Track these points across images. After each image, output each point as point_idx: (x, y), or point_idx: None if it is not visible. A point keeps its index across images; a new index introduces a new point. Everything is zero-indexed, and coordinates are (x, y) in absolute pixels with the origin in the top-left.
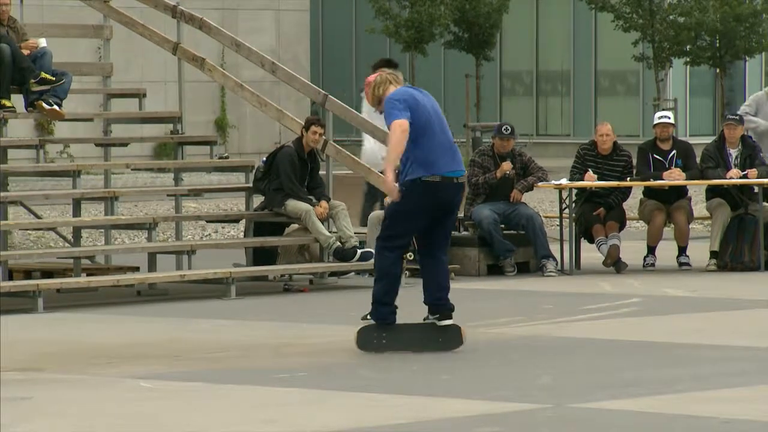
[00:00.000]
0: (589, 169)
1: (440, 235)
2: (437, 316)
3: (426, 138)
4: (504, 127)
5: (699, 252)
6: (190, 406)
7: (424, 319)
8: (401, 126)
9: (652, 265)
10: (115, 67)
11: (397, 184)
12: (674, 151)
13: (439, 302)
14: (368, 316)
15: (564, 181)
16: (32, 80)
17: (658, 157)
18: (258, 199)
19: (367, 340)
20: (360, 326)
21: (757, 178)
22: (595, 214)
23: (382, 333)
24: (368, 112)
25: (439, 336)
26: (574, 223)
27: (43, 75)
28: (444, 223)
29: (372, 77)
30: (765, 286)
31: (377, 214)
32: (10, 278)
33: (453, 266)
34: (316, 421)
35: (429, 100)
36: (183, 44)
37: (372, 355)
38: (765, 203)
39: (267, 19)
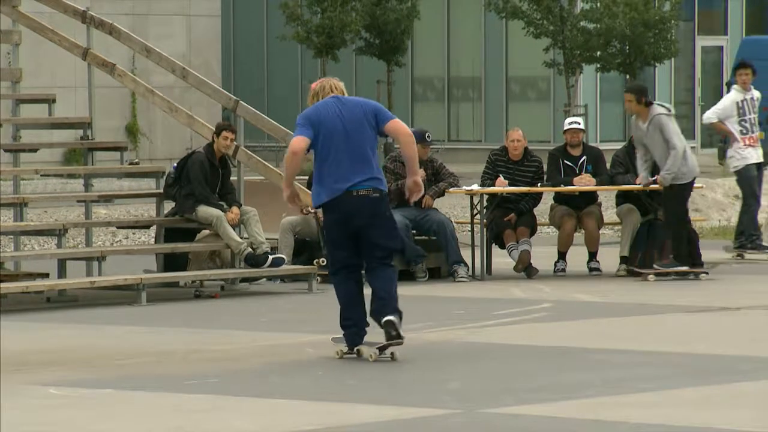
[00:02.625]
0: (500, 175)
1: (369, 252)
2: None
3: (330, 154)
4: (427, 134)
5: (609, 257)
6: (100, 413)
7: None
8: (291, 147)
9: (563, 270)
10: (24, 72)
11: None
12: (585, 157)
13: (355, 325)
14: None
15: (475, 187)
16: None
17: (568, 162)
18: (169, 205)
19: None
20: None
21: None
22: (506, 219)
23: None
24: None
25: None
26: (485, 229)
27: None
28: (367, 237)
29: (315, 84)
30: (674, 291)
31: (289, 219)
32: None
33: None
34: (227, 427)
35: (348, 111)
36: (93, 50)
37: (282, 361)
38: None
39: (178, 25)
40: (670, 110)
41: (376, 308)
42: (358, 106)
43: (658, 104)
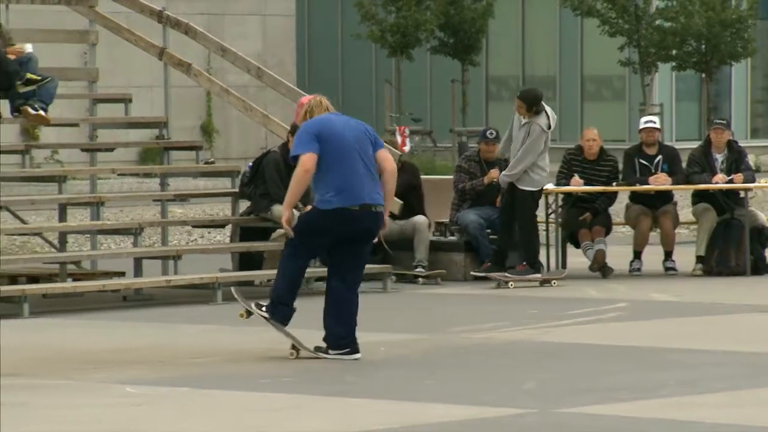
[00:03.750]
0: (576, 174)
1: (353, 264)
2: (347, 350)
3: (344, 165)
4: (489, 132)
5: (685, 257)
6: (175, 412)
7: (317, 349)
8: (304, 165)
9: (639, 269)
10: (100, 72)
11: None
12: (660, 156)
13: (343, 339)
14: (263, 308)
15: (550, 186)
16: (18, 82)
17: (644, 162)
18: (244, 204)
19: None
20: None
21: (743, 182)
22: (582, 219)
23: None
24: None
25: None
26: (560, 228)
27: (29, 75)
28: (359, 251)
29: (306, 98)
30: (750, 290)
31: None
32: None
33: (439, 271)
34: (301, 426)
35: (352, 128)
36: (169, 49)
37: (357, 360)
38: (750, 208)
39: (253, 25)
40: (550, 127)
41: (343, 330)
42: (360, 124)
43: (548, 115)
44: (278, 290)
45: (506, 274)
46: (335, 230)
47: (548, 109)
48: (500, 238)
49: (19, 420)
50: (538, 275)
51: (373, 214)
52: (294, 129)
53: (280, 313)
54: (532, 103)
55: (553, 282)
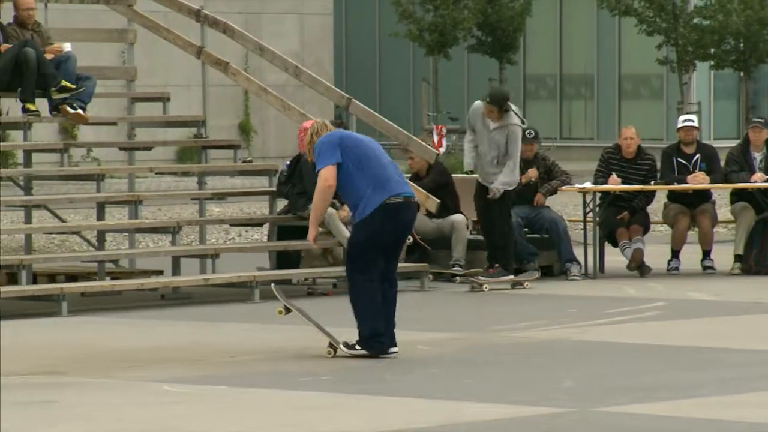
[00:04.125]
0: (613, 173)
1: (390, 263)
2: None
3: (372, 163)
4: (527, 131)
5: (723, 255)
6: (213, 410)
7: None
8: (326, 180)
9: (677, 268)
10: (139, 70)
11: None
12: (698, 155)
13: (384, 336)
14: (356, 347)
15: (588, 185)
16: (53, 87)
17: (682, 160)
18: (281, 203)
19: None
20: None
21: None
22: (619, 218)
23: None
24: None
25: None
26: (598, 227)
27: (63, 83)
28: (395, 251)
29: (308, 123)
30: None
31: None
32: (35, 282)
33: (476, 270)
34: (339, 425)
35: (367, 138)
36: (207, 48)
37: (394, 358)
38: None
39: (291, 23)
40: (524, 122)
41: (385, 325)
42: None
43: (515, 113)
44: (368, 320)
45: (480, 277)
46: (385, 229)
47: (513, 106)
48: (487, 239)
49: (57, 418)
50: (511, 277)
51: (410, 205)
52: None
53: (377, 347)
54: (501, 104)
55: (525, 284)
